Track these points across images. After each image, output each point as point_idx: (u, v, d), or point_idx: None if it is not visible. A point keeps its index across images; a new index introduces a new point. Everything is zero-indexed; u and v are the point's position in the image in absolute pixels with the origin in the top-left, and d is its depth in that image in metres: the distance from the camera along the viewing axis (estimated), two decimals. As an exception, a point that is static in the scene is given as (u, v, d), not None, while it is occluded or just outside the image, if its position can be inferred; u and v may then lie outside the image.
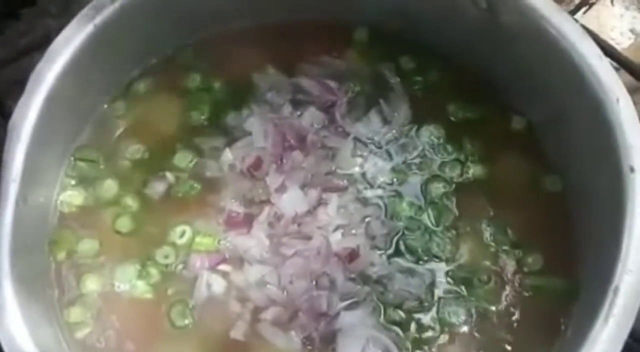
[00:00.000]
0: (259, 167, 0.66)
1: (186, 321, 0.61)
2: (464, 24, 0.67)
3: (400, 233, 0.64)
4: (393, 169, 0.67)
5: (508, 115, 0.68)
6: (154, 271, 0.62)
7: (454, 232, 0.64)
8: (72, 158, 0.67)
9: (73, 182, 0.66)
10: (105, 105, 0.69)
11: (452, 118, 0.69)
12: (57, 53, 0.61)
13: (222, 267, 0.63)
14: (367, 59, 0.71)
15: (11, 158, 0.58)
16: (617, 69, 0.79)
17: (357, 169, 0.67)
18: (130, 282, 0.62)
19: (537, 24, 0.62)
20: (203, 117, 0.69)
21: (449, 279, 0.63)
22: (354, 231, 0.64)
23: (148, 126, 0.68)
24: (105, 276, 0.62)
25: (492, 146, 0.67)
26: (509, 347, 0.60)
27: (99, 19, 0.62)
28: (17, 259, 0.57)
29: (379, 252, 0.63)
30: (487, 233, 0.64)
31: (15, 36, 0.88)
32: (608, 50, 0.78)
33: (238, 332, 0.60)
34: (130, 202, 0.65)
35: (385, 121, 0.69)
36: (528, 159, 0.67)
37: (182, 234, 0.63)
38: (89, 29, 0.62)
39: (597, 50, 0.60)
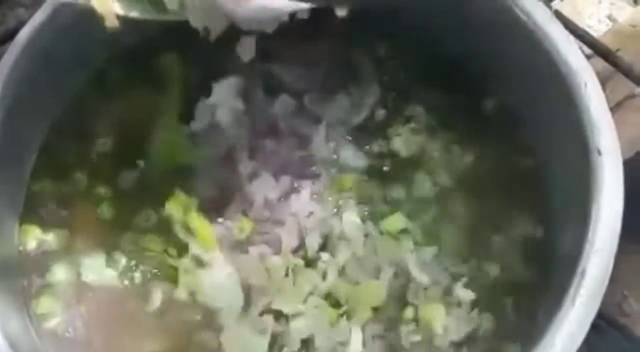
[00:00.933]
0: (230, 156, 0.66)
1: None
2: (434, 10, 0.67)
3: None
4: (366, 154, 0.67)
5: (480, 98, 0.68)
6: (121, 259, 0.62)
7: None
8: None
9: (44, 170, 0.66)
10: (75, 94, 0.68)
11: (424, 103, 0.69)
12: (21, 43, 0.61)
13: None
14: (339, 44, 0.71)
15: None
16: (592, 56, 0.79)
17: (330, 154, 0.67)
18: (98, 271, 0.62)
19: (507, 7, 0.62)
20: (173, 104, 0.68)
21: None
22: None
23: (118, 115, 0.68)
24: (74, 265, 0.62)
25: (464, 129, 0.68)
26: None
27: (67, 10, 0.61)
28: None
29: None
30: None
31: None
32: (582, 36, 0.79)
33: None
34: (101, 191, 0.65)
35: (356, 105, 0.69)
36: (500, 142, 0.67)
37: (147, 218, 0.64)
38: (57, 19, 0.61)
39: (566, 35, 0.60)
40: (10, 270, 0.62)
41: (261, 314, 0.61)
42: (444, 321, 0.60)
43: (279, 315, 0.61)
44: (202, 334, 0.61)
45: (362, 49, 0.71)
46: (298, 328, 0.60)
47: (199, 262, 0.62)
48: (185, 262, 0.62)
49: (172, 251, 0.63)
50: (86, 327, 0.60)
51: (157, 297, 0.61)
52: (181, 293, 0.61)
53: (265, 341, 0.60)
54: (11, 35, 0.64)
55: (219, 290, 0.61)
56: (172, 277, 0.62)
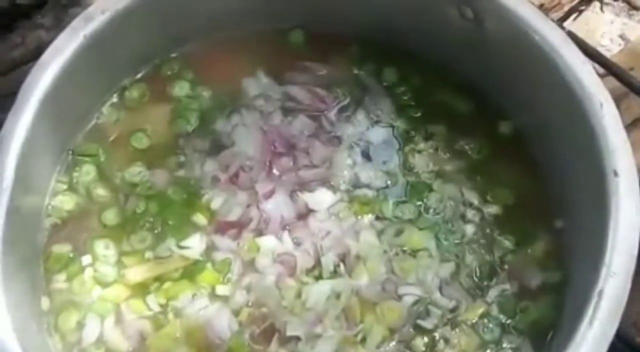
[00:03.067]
0: (241, 176, 0.67)
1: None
2: (451, 34, 0.68)
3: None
4: (385, 172, 0.68)
5: (495, 120, 0.69)
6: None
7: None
8: (69, 153, 0.67)
9: (65, 187, 0.67)
10: (96, 115, 0.70)
11: (438, 125, 0.70)
12: (47, 64, 0.62)
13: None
14: (355, 67, 0.72)
15: (2, 169, 0.59)
16: (605, 75, 0.80)
17: (348, 174, 0.68)
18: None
19: (522, 32, 0.62)
20: (191, 125, 0.69)
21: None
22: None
23: (139, 134, 0.69)
24: (95, 280, 0.63)
25: (479, 151, 0.69)
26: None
27: (88, 30, 0.63)
28: (8, 271, 0.57)
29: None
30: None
31: (9, 49, 0.89)
32: (595, 56, 0.79)
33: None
34: (118, 206, 0.66)
35: (374, 124, 0.70)
36: (514, 162, 0.67)
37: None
38: (79, 39, 0.62)
39: (581, 55, 0.61)
40: (33, 289, 0.62)
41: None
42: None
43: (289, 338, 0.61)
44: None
45: (378, 71, 0.72)
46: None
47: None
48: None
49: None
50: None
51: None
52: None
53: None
54: (32, 56, 0.65)
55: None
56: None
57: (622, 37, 1.10)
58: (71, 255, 0.64)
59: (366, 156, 0.69)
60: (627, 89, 0.81)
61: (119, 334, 0.62)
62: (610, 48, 1.06)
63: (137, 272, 0.63)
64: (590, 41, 0.92)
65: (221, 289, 0.63)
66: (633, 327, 0.74)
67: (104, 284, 0.63)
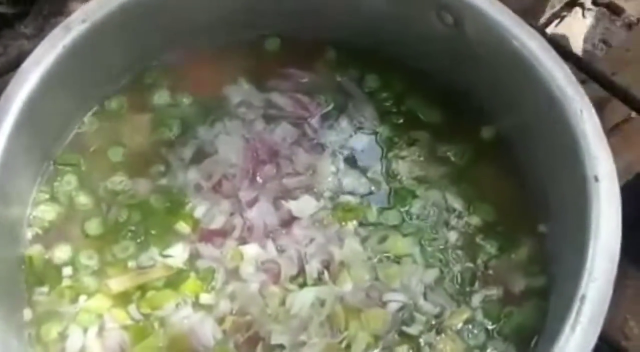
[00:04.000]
0: (224, 184, 0.66)
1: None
2: (432, 40, 0.68)
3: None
4: (369, 179, 0.68)
5: (477, 126, 0.69)
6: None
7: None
8: (50, 163, 0.67)
9: (46, 196, 0.66)
10: (78, 124, 0.69)
11: (421, 131, 0.70)
12: (26, 74, 0.61)
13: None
14: (336, 74, 0.72)
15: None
16: (587, 80, 0.80)
17: (332, 181, 0.68)
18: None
19: (502, 38, 0.63)
20: (172, 133, 0.69)
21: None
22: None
23: (120, 143, 0.69)
24: (77, 290, 0.63)
25: (462, 157, 0.69)
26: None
27: (68, 40, 0.62)
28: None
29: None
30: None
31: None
32: (577, 62, 0.80)
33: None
34: (101, 216, 0.66)
35: (357, 130, 0.70)
36: (497, 168, 0.68)
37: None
38: (58, 49, 0.62)
39: (560, 61, 0.62)
40: (12, 300, 0.62)
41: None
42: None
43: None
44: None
45: (359, 78, 0.72)
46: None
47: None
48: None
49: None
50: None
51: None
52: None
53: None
54: (13, 65, 0.65)
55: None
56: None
57: (604, 42, 1.11)
58: (53, 265, 0.64)
59: (350, 163, 0.69)
60: (608, 95, 0.81)
61: (101, 344, 0.61)
62: (592, 53, 1.08)
63: (119, 282, 0.63)
64: (573, 46, 0.93)
65: (205, 298, 0.62)
66: (619, 331, 0.74)
67: (87, 295, 0.63)
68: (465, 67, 0.68)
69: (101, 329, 0.62)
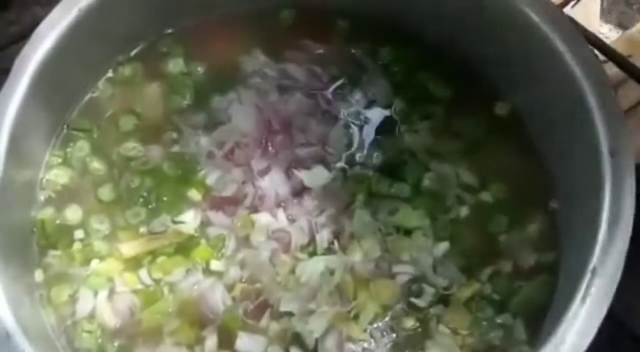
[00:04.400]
0: (237, 153, 0.66)
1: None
2: (448, 13, 0.67)
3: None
4: (382, 151, 0.68)
5: (491, 101, 0.69)
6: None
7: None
8: (64, 127, 0.67)
9: (59, 160, 0.66)
10: (92, 89, 0.69)
11: (435, 106, 0.70)
12: (42, 38, 0.62)
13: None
14: (350, 46, 0.72)
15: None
16: (604, 62, 0.80)
17: (344, 152, 0.68)
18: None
19: (521, 12, 0.62)
20: (186, 101, 0.69)
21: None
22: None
23: (134, 110, 0.69)
24: (88, 254, 0.63)
25: (475, 132, 0.68)
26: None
27: (83, 4, 0.62)
28: (2, 243, 0.57)
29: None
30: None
31: (4, 25, 0.89)
32: (594, 42, 0.79)
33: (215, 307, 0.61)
34: (113, 181, 0.66)
35: (371, 103, 0.70)
36: (510, 143, 0.67)
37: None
38: (73, 13, 0.62)
39: (580, 37, 0.61)
40: (25, 261, 0.62)
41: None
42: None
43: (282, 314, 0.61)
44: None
45: (368, 49, 0.72)
46: (312, 328, 0.60)
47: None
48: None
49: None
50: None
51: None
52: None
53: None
54: (27, 33, 0.65)
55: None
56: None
57: (619, 25, 1.10)
58: (64, 229, 0.64)
59: (362, 135, 0.69)
60: (624, 76, 0.80)
61: (111, 307, 0.62)
62: (608, 36, 1.07)
63: (130, 247, 0.63)
64: (589, 29, 0.92)
65: (215, 265, 0.63)
66: (625, 310, 0.74)
67: (98, 258, 0.63)
68: (481, 42, 0.67)
69: (111, 293, 0.63)
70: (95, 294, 0.62)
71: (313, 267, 0.62)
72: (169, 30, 0.72)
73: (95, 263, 0.63)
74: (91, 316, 0.62)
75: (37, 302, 0.61)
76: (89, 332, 0.61)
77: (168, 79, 0.70)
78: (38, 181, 0.65)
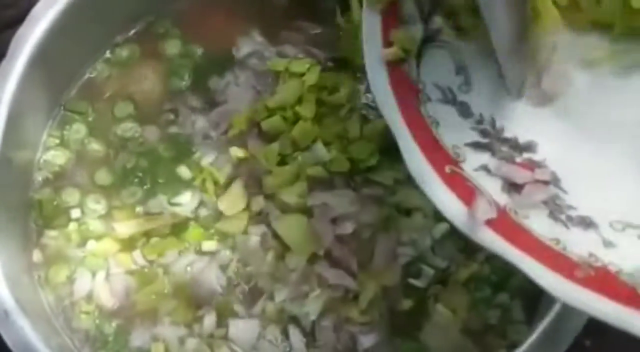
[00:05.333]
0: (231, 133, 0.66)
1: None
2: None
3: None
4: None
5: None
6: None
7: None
8: (61, 108, 0.68)
9: (57, 141, 0.67)
10: (89, 70, 0.69)
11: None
12: (38, 17, 0.62)
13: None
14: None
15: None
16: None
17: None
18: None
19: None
20: (184, 82, 0.69)
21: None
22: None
23: (131, 91, 0.69)
24: (84, 234, 0.64)
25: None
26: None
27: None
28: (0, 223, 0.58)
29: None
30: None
31: (0, 9, 0.88)
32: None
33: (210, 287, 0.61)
34: (110, 161, 0.66)
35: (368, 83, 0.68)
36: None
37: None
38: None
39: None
40: (22, 241, 0.63)
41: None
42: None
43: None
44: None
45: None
46: (308, 311, 0.60)
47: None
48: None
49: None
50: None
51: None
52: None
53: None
54: (24, 17, 0.64)
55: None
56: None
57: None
58: (61, 209, 0.65)
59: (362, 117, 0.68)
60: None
61: (109, 288, 0.62)
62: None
63: (126, 226, 0.63)
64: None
65: (207, 245, 0.63)
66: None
67: (94, 238, 0.63)
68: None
69: (108, 274, 0.63)
70: (93, 274, 0.63)
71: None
72: (167, 12, 0.71)
73: (91, 244, 0.63)
74: (89, 297, 0.62)
75: (35, 282, 0.62)
76: (87, 313, 0.62)
77: (165, 60, 0.70)
78: (35, 162, 0.66)
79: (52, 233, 0.64)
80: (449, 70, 0.48)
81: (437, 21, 0.49)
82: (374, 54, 0.48)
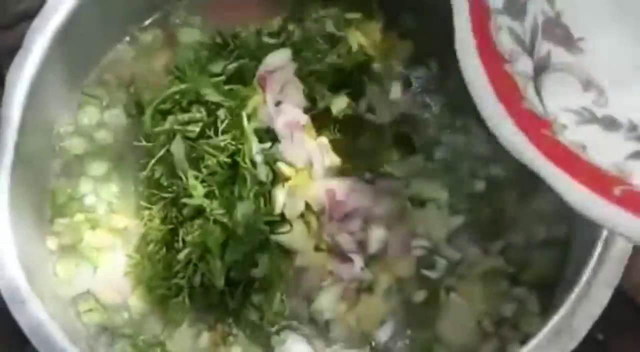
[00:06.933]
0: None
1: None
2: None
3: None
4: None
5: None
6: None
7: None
8: (78, 96, 0.68)
9: (71, 129, 0.67)
10: (106, 60, 0.69)
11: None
12: (52, 10, 0.62)
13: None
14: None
15: (9, 110, 0.59)
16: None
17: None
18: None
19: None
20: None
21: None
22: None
23: (147, 79, 0.68)
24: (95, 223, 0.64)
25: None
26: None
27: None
28: (16, 209, 0.58)
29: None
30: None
31: (14, 3, 0.88)
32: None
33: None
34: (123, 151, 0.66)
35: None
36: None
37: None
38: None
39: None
40: (40, 230, 0.63)
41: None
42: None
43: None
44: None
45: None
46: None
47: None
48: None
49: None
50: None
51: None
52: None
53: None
54: (38, 9, 0.64)
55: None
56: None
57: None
58: (75, 198, 0.65)
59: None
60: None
61: (116, 281, 0.63)
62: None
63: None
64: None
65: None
66: (637, 289, 0.74)
67: (104, 228, 0.64)
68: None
69: (113, 266, 0.63)
70: (97, 267, 0.63)
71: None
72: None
73: (101, 232, 0.64)
74: (94, 289, 0.63)
75: (50, 271, 0.62)
76: (93, 307, 0.62)
77: (181, 48, 0.69)
78: (51, 150, 0.66)
79: (64, 222, 0.64)
80: (576, 89, 0.43)
81: (542, 47, 0.44)
82: (491, 109, 0.43)
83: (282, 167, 0.60)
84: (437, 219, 0.63)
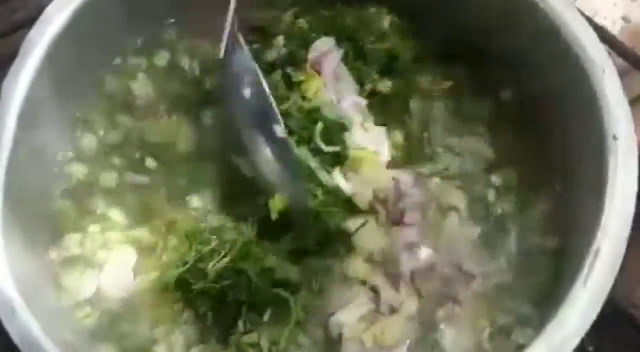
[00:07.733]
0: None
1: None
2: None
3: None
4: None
5: (498, 86, 0.69)
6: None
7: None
8: (74, 119, 0.68)
9: (72, 154, 0.67)
10: (99, 79, 0.69)
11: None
12: (49, 20, 0.62)
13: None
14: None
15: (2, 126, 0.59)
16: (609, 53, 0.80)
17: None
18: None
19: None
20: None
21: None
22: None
23: (141, 97, 0.69)
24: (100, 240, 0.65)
25: (482, 117, 0.69)
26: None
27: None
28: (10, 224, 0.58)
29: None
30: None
31: (10, 12, 0.88)
32: (599, 33, 0.79)
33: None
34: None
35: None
36: (515, 126, 0.67)
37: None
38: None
39: (585, 22, 0.61)
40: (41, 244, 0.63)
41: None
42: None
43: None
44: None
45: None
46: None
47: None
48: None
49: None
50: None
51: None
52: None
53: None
54: (34, 18, 0.64)
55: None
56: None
57: (624, 19, 1.10)
58: (80, 216, 0.65)
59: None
60: (628, 68, 0.80)
61: (116, 288, 0.63)
62: (612, 29, 1.06)
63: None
64: (594, 20, 0.92)
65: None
66: (627, 298, 0.74)
67: (110, 245, 0.64)
68: (486, 26, 0.67)
69: (115, 276, 0.63)
70: (99, 275, 0.63)
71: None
72: (173, 20, 0.71)
73: (107, 248, 0.64)
74: (96, 298, 0.63)
75: (48, 282, 0.62)
76: (90, 314, 0.62)
77: (175, 68, 0.70)
78: (54, 173, 0.66)
79: (69, 236, 0.64)
80: None
81: None
82: None
83: (354, 151, 0.60)
84: (459, 231, 0.63)
